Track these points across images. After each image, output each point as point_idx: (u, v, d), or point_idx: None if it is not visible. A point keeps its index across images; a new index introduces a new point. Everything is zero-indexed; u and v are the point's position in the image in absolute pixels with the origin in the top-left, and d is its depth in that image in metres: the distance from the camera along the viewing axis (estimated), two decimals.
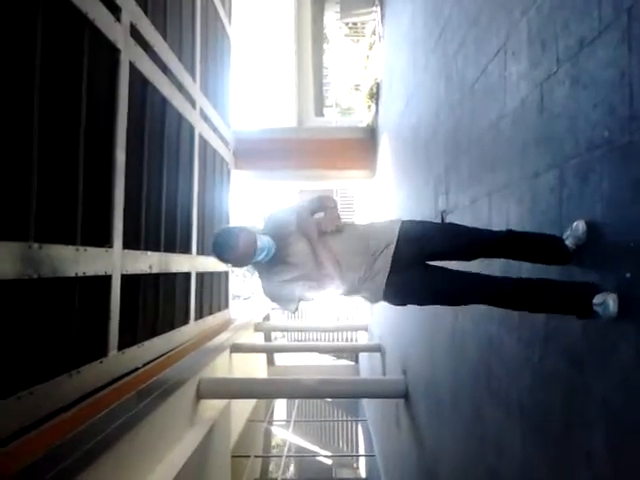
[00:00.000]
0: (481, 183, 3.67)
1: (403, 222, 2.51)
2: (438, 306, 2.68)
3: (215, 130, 9.60)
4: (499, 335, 3.25)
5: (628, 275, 1.88)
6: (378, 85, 11.93)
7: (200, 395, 6.99)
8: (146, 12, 5.70)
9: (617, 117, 1.95)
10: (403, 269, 2.36)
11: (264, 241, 2.38)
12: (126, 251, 5.10)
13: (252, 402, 12.65)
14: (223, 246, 2.33)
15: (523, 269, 2.68)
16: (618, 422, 1.93)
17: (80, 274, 4.17)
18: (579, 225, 2.14)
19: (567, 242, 2.21)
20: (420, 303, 2.52)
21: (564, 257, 2.26)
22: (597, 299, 1.99)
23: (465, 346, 4.09)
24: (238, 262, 2.39)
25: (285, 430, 15.47)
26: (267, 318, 15.35)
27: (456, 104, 4.40)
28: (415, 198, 6.42)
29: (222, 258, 2.36)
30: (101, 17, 4.49)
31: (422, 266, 2.44)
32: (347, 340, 19.67)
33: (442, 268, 2.45)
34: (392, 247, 2.39)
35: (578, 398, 2.23)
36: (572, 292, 2.14)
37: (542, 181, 2.60)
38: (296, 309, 2.54)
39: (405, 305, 2.52)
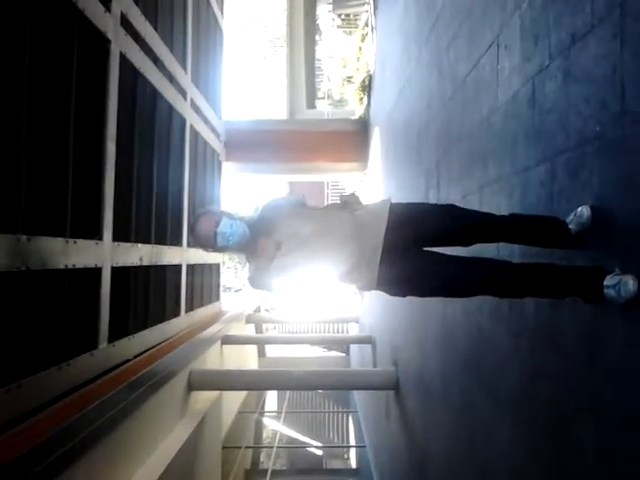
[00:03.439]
0: (472, 177, 3.68)
1: (392, 203, 2.36)
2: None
3: (206, 122, 9.56)
4: (489, 325, 3.26)
5: (617, 269, 1.89)
6: (370, 77, 11.91)
7: (191, 387, 7.00)
8: (137, 2, 5.65)
9: (609, 112, 1.95)
10: (398, 255, 2.21)
11: (234, 226, 2.31)
12: (116, 243, 5.08)
13: (243, 394, 12.68)
14: (190, 228, 2.41)
15: (515, 254, 2.68)
16: (608, 414, 1.95)
17: (70, 266, 4.15)
18: (584, 210, 2.06)
19: (570, 226, 2.13)
20: (421, 294, 2.40)
21: (566, 241, 2.17)
22: (609, 280, 1.87)
23: (455, 337, 4.11)
24: (203, 245, 2.40)
25: (276, 421, 15.50)
26: (258, 310, 15.37)
27: (448, 97, 4.39)
28: (406, 192, 6.42)
29: (192, 239, 2.44)
30: (91, 7, 4.44)
31: (421, 253, 2.30)
32: (338, 332, 19.73)
33: (444, 255, 2.29)
34: (382, 230, 2.23)
35: (568, 389, 2.24)
36: (580, 274, 2.05)
37: (533, 175, 2.61)
38: (274, 290, 2.47)
39: (404, 296, 2.39)
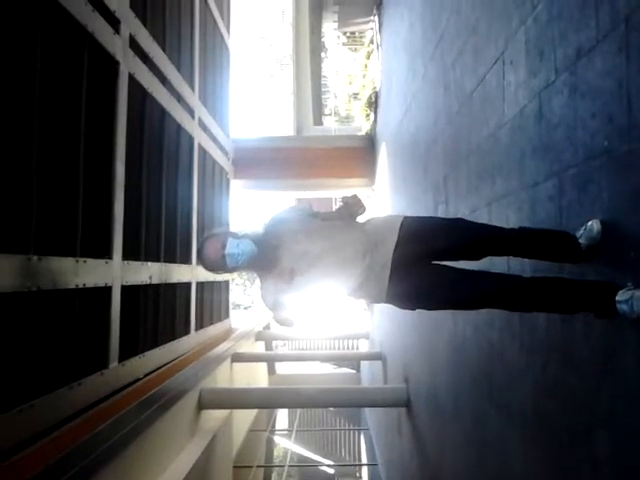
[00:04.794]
0: (480, 192, 3.68)
1: (405, 217, 2.36)
2: (439, 312, 2.59)
3: (214, 140, 9.63)
4: (500, 342, 3.24)
5: (630, 284, 1.87)
6: (377, 94, 11.97)
7: (202, 405, 6.97)
8: (145, 24, 5.73)
9: (616, 126, 1.95)
10: (408, 269, 2.22)
11: (241, 245, 2.28)
12: (126, 262, 5.10)
13: (254, 412, 12.61)
14: (197, 254, 2.39)
15: (527, 269, 2.67)
16: (623, 429, 1.92)
17: (80, 286, 4.17)
18: (594, 225, 2.04)
19: (580, 241, 2.11)
20: (431, 307, 2.38)
21: (576, 255, 2.15)
22: (622, 296, 1.85)
23: (466, 353, 4.08)
24: (213, 269, 2.38)
25: (287, 439, 15.41)
26: (268, 327, 15.34)
27: (454, 113, 4.41)
28: (414, 207, 6.42)
29: (201, 265, 2.43)
30: (100, 29, 4.51)
31: (430, 266, 2.28)
32: (348, 348, 19.64)
33: (454, 268, 2.27)
34: (392, 244, 2.25)
35: (582, 405, 2.22)
36: (591, 289, 2.02)
37: (541, 190, 2.60)
38: (292, 323, 2.37)
39: (414, 309, 2.37)
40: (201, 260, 2.38)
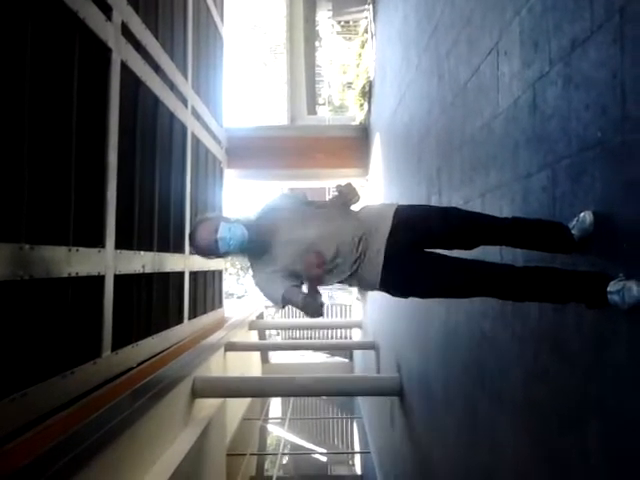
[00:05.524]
0: (474, 183, 3.68)
1: (399, 205, 2.38)
2: (431, 301, 2.59)
3: (207, 129, 9.58)
4: (492, 330, 3.26)
5: (621, 275, 1.89)
6: (371, 83, 11.93)
7: (195, 394, 6.99)
8: (137, 11, 5.67)
9: (609, 118, 1.95)
10: (401, 257, 2.23)
11: (232, 229, 2.27)
12: (119, 251, 5.09)
13: (247, 400, 12.66)
14: (189, 238, 2.37)
15: (519, 259, 2.68)
16: (613, 418, 1.94)
17: (73, 275, 4.16)
18: (587, 216, 2.06)
19: (573, 232, 2.12)
20: (424, 295, 2.41)
21: (569, 246, 2.16)
22: (613, 286, 1.87)
23: (458, 343, 4.11)
24: (204, 253, 2.36)
25: (280, 428, 15.47)
26: (261, 316, 15.37)
27: (448, 103, 4.41)
28: (407, 197, 6.43)
29: (193, 249, 2.40)
30: (92, 16, 4.47)
31: (423, 254, 2.30)
32: (341, 337, 19.71)
33: (446, 256, 2.28)
34: (386, 232, 2.26)
35: (573, 394, 2.24)
36: (583, 280, 2.04)
37: (535, 181, 2.61)
38: (283, 306, 2.39)
39: (407, 297, 2.40)
40: (193, 244, 2.36)
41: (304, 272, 2.20)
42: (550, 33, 2.45)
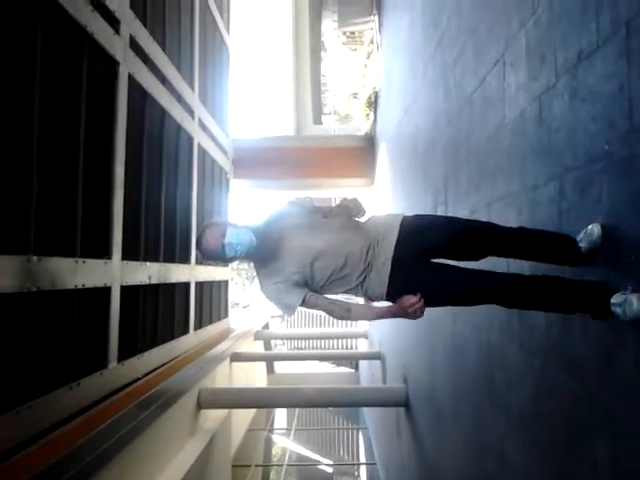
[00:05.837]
0: (480, 194, 3.68)
1: (405, 216, 2.40)
2: (437, 311, 2.57)
3: (214, 140, 9.62)
4: (500, 343, 3.24)
5: (629, 287, 1.88)
6: (376, 94, 11.96)
7: (200, 405, 6.98)
8: (145, 24, 5.72)
9: (616, 130, 1.95)
10: (408, 267, 2.24)
11: (241, 235, 2.27)
12: (125, 262, 5.10)
13: (252, 411, 12.62)
14: (196, 242, 2.37)
15: (526, 270, 2.66)
16: (623, 430, 1.92)
17: (79, 286, 4.17)
18: (594, 229, 2.06)
19: (580, 244, 2.13)
20: (430, 304, 2.35)
21: (576, 258, 2.17)
22: (616, 298, 1.90)
23: (465, 354, 4.09)
24: (211, 257, 2.36)
25: (286, 438, 15.41)
26: (266, 326, 15.34)
27: (454, 114, 4.41)
28: (414, 207, 6.42)
29: (199, 253, 2.40)
30: (100, 30, 4.50)
31: (429, 264, 2.31)
32: (347, 347, 19.64)
33: (451, 265, 2.30)
34: (393, 242, 2.27)
35: (581, 406, 2.22)
36: (588, 291, 2.06)
37: (542, 193, 2.61)
38: (291, 314, 2.42)
39: None
40: (200, 248, 2.36)
41: (403, 313, 2.21)
42: (556, 45, 2.46)
